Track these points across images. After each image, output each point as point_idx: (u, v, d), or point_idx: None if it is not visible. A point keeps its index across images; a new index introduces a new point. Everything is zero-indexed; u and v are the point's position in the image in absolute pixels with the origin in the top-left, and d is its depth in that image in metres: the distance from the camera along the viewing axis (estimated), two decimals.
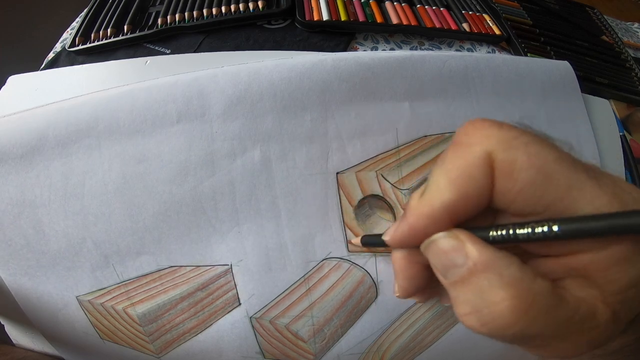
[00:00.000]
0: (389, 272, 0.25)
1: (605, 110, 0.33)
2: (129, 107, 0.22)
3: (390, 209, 0.25)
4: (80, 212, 0.22)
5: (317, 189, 0.24)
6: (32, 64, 0.33)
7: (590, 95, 0.32)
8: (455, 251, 0.14)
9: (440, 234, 0.15)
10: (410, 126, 0.25)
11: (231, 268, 0.23)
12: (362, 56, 0.25)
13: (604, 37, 0.41)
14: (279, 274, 0.24)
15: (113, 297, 0.23)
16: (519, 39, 0.36)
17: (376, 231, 0.25)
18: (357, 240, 0.23)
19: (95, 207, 0.22)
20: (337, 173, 0.24)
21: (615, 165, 0.31)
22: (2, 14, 0.53)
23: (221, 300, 0.24)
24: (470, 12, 0.38)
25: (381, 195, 0.24)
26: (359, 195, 0.24)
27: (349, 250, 0.24)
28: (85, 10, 0.36)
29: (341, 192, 0.24)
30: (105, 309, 0.23)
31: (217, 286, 0.24)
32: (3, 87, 0.28)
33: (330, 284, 0.24)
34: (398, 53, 0.26)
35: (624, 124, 0.33)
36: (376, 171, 0.24)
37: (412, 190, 0.24)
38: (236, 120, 0.23)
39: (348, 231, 0.24)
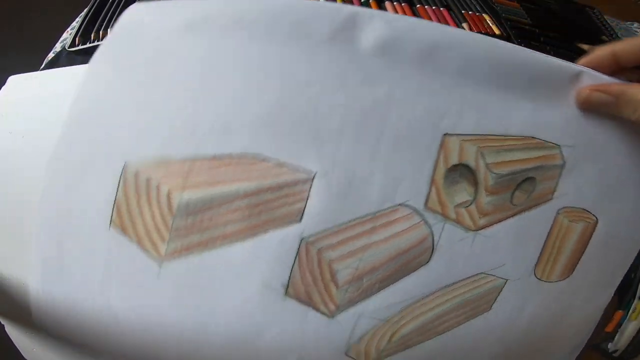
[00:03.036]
0: (451, 242, 0.25)
1: None
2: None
3: (476, 185, 0.25)
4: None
5: (422, 140, 0.24)
6: (32, 65, 0.33)
7: None
8: None
9: None
10: (524, 125, 0.26)
11: (313, 179, 0.23)
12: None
13: (604, 37, 0.41)
14: (353, 202, 0.23)
15: (168, 172, 0.21)
16: (518, 39, 0.36)
17: (457, 199, 0.26)
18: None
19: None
20: (445, 134, 0.25)
21: None
22: (1, 14, 0.53)
23: (285, 209, 0.23)
24: (470, 12, 0.38)
25: (474, 169, 0.25)
26: (454, 161, 0.25)
27: (426, 206, 0.25)
28: (85, 10, 0.36)
29: (442, 151, 0.25)
30: (148, 186, 0.22)
31: (290, 192, 0.23)
32: (3, 88, 0.28)
33: (395, 231, 0.24)
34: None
35: None
36: (478, 147, 0.25)
37: (499, 177, 0.25)
38: (380, 58, 0.23)
39: (433, 187, 0.25)
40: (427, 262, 0.25)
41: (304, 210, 0.23)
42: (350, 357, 0.25)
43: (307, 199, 0.23)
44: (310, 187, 0.23)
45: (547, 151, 0.27)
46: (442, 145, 0.25)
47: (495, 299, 0.27)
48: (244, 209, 0.22)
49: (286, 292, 0.23)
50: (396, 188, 0.24)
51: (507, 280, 0.27)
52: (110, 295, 0.23)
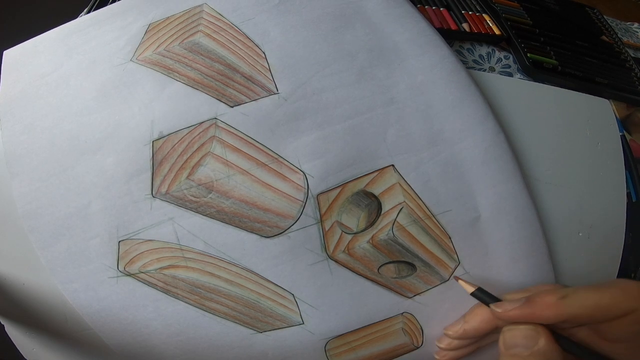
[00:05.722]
0: (302, 241, 0.24)
1: (605, 110, 0.33)
2: None
3: (370, 225, 0.25)
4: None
5: (374, 147, 0.26)
6: None
7: (590, 95, 0.32)
8: (531, 338, 0.20)
9: (528, 326, 0.20)
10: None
11: None
12: None
13: (604, 37, 0.41)
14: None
15: None
16: (518, 39, 0.36)
17: (343, 219, 0.25)
18: (467, 287, 0.24)
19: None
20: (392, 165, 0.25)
21: (615, 165, 0.31)
22: (1, 13, 0.53)
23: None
24: (470, 12, 0.38)
25: (383, 211, 0.24)
26: (378, 189, 0.25)
27: (317, 194, 0.24)
28: (85, 10, 0.36)
29: (379, 172, 0.25)
30: None
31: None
32: (2, 63, 0.27)
33: (279, 173, 0.24)
34: None
35: (624, 124, 0.33)
36: (406, 202, 0.25)
37: (393, 240, 0.25)
38: None
39: (341, 188, 0.24)
40: (274, 235, 0.24)
41: None
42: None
43: None
44: None
45: (446, 259, 0.25)
46: (382, 168, 0.24)
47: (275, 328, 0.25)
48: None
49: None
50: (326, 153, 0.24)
51: (301, 324, 0.24)
52: None
